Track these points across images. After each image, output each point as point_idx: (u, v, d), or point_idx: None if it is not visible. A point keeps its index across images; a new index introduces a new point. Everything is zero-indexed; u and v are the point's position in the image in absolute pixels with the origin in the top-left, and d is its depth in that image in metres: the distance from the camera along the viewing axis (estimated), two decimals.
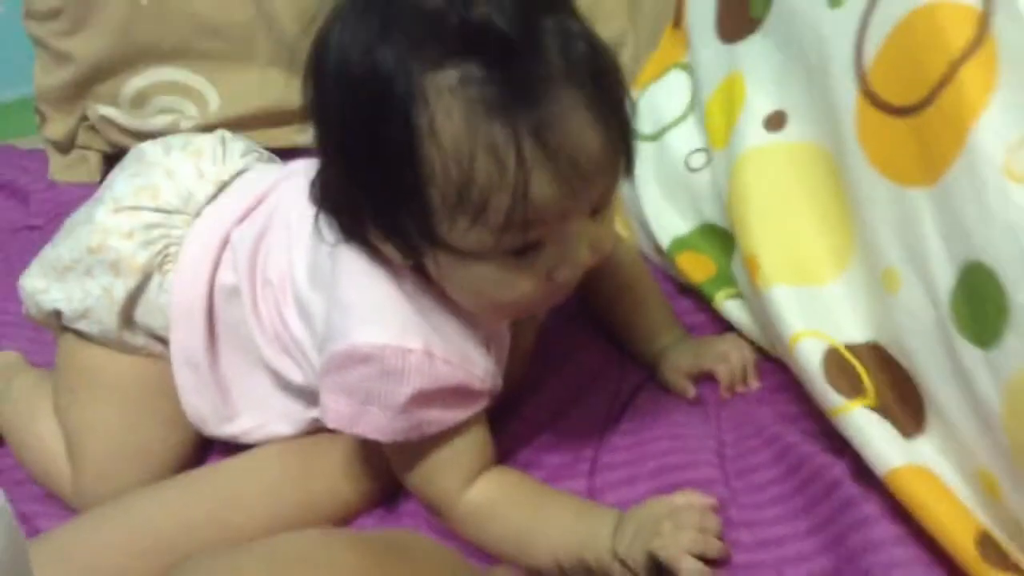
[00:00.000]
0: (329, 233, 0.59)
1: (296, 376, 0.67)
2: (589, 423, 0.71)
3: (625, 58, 1.11)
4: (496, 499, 0.62)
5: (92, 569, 0.61)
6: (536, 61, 0.49)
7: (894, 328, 0.59)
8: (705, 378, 0.73)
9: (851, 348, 0.62)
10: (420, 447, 0.61)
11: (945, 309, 0.53)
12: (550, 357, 0.76)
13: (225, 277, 0.68)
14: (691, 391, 0.71)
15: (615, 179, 0.56)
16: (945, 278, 0.53)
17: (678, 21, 0.89)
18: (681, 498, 0.60)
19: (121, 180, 0.72)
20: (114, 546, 0.63)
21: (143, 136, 1.11)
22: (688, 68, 0.85)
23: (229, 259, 0.68)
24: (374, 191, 0.54)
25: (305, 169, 0.63)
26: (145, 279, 0.68)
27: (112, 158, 1.12)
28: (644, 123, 0.86)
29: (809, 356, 0.62)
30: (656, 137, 0.85)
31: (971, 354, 0.52)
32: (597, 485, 0.66)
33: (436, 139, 0.49)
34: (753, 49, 0.74)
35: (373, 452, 0.66)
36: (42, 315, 0.71)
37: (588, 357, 0.77)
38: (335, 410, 0.59)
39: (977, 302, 0.51)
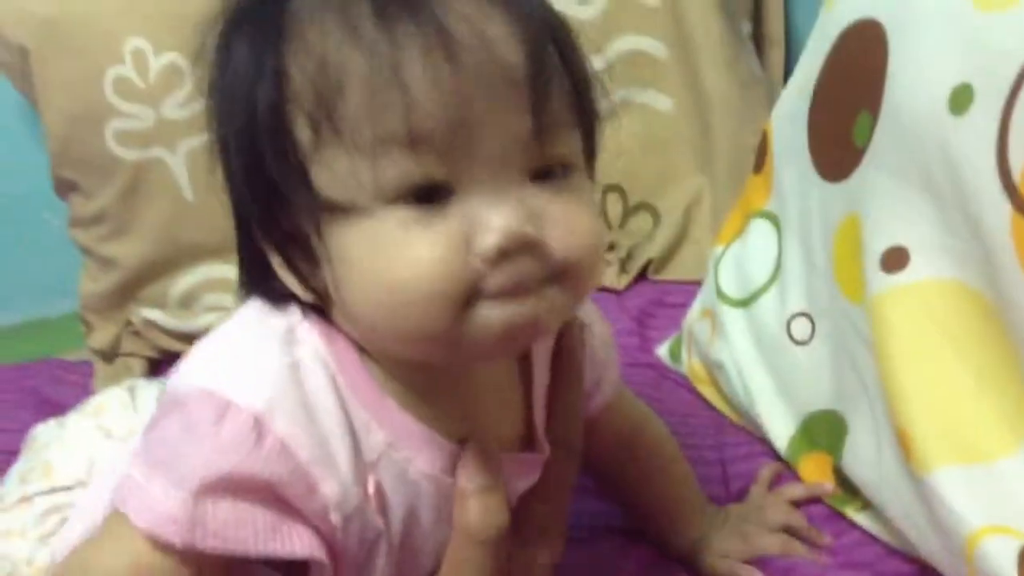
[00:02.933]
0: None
1: None
2: None
3: (704, 213, 1.02)
4: None
5: None
6: None
7: None
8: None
9: None
10: None
11: None
12: None
13: None
14: None
15: (560, 123, 0.40)
16: None
17: (760, 166, 0.78)
18: None
19: (10, 474, 0.60)
20: None
21: (190, 337, 1.01)
22: (773, 217, 0.75)
23: None
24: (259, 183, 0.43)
25: None
26: None
27: (157, 363, 1.05)
28: (731, 286, 0.78)
29: (998, 560, 0.45)
30: (747, 303, 0.76)
31: None
32: None
33: (297, 57, 0.39)
34: (864, 183, 0.61)
35: None
36: None
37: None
38: (124, 477, 0.41)
39: None
